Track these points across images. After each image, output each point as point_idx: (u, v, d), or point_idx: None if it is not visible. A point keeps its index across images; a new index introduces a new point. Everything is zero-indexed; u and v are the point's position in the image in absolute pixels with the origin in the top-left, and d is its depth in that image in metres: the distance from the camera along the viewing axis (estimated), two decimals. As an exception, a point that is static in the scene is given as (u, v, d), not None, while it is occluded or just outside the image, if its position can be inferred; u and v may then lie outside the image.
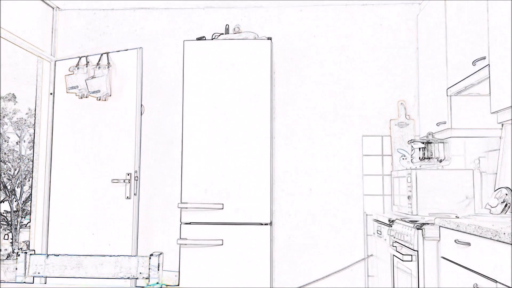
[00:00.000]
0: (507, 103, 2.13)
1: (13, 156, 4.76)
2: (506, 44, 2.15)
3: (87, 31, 3.80)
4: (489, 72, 2.32)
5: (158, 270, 1.71)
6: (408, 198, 3.01)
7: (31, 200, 3.71)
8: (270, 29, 3.71)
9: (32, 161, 3.73)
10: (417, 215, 2.91)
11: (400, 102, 3.60)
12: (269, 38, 3.42)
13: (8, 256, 4.64)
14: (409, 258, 2.48)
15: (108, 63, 3.63)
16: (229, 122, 3.34)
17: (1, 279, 4.12)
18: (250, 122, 3.32)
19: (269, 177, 3.28)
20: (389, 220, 2.95)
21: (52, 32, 3.79)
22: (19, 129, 4.80)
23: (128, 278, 1.72)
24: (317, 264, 3.55)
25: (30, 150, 4.80)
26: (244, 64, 3.36)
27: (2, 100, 4.71)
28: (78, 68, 3.67)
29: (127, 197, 3.50)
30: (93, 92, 3.59)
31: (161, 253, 1.75)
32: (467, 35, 2.64)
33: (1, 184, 4.67)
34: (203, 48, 3.40)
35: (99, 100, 3.62)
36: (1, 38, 3.21)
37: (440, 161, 3.13)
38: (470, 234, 2.01)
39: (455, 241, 2.15)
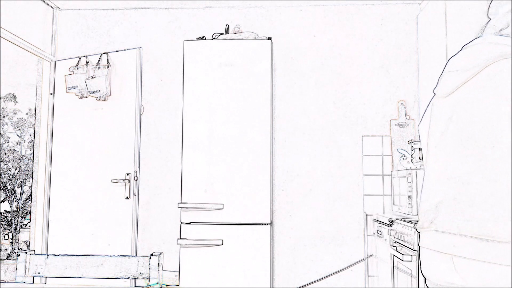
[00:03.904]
0: (507, 103, 2.12)
1: (13, 156, 4.76)
2: (506, 44, 2.15)
3: (87, 31, 3.80)
4: (489, 72, 2.32)
5: (158, 270, 1.71)
6: (408, 198, 3.01)
7: (31, 200, 3.71)
8: (270, 29, 3.71)
9: (32, 161, 3.73)
10: (417, 215, 2.91)
11: (400, 102, 3.60)
12: (269, 38, 3.42)
13: (8, 256, 4.64)
14: (409, 258, 2.48)
15: (108, 63, 3.63)
16: (229, 122, 3.34)
17: (1, 279, 4.12)
18: (250, 122, 3.32)
19: (269, 177, 3.28)
20: (389, 220, 2.94)
21: (52, 32, 3.79)
22: (19, 129, 4.80)
23: (128, 278, 1.72)
24: (317, 264, 3.55)
25: (30, 150, 4.80)
26: (244, 64, 3.36)
27: (2, 100, 4.72)
28: (78, 68, 3.67)
29: (127, 197, 3.50)
30: (93, 92, 3.59)
31: (161, 253, 1.75)
32: (467, 35, 2.63)
33: (1, 184, 4.67)
34: (203, 48, 3.40)
35: (99, 100, 3.62)
36: (1, 38, 3.21)
37: (440, 161, 3.13)
38: (470, 234, 2.00)
39: (455, 241, 2.14)
